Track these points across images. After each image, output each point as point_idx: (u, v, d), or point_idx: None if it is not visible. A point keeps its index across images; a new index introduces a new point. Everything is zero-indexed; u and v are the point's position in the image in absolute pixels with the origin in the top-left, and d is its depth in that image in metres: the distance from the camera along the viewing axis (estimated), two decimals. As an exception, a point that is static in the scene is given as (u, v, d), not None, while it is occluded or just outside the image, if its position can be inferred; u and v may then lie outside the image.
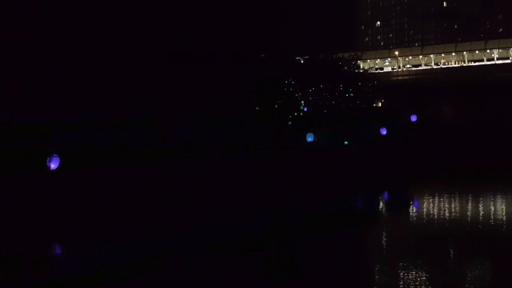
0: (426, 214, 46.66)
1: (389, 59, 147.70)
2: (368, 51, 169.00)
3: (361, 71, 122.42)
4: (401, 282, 26.68)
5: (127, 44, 70.73)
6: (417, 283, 26.56)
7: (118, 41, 70.06)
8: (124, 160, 55.05)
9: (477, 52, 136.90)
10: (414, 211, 49.37)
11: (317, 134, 79.97)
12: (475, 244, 35.42)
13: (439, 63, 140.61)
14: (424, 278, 27.62)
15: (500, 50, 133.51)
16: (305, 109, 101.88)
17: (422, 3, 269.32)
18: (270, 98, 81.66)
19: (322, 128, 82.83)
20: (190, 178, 58.44)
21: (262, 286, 28.08)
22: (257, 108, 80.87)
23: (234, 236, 39.83)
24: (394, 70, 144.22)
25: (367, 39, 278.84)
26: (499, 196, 55.02)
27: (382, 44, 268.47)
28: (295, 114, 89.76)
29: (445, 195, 57.94)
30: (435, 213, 46.92)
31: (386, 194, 62.08)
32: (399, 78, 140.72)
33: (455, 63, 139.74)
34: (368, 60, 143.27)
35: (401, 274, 28.25)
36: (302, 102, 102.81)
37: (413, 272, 28.54)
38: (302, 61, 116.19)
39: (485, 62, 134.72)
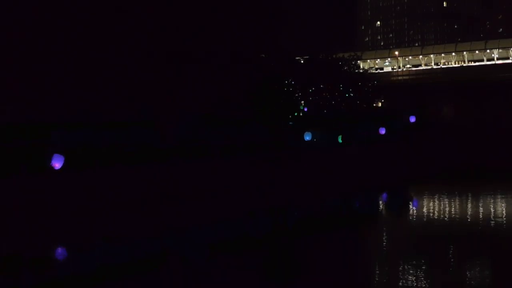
0: (426, 214, 46.66)
1: (389, 59, 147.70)
2: (368, 51, 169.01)
3: (361, 71, 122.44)
4: (401, 282, 26.68)
5: (127, 44, 70.75)
6: (417, 283, 26.56)
7: (118, 41, 70.09)
8: (124, 160, 55.03)
9: (477, 52, 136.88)
10: (414, 211, 49.36)
11: (317, 134, 79.93)
12: (475, 244, 35.42)
13: (439, 63, 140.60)
14: (424, 278, 27.62)
15: (500, 50, 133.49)
16: (305, 109, 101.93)
17: (422, 3, 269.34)
18: (270, 98, 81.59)
19: (322, 128, 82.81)
20: (190, 178, 58.44)
21: (262, 286, 28.08)
22: (257, 108, 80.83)
23: (234, 236, 39.83)
24: (394, 70, 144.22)
25: (367, 39, 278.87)
26: (499, 196, 55.01)
27: (382, 44, 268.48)
28: (295, 114, 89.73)
29: (445, 195, 57.94)
30: (435, 213, 46.93)
31: (386, 194, 62.08)
32: (399, 78, 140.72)
33: (455, 63, 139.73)
34: (368, 60, 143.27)
35: (401, 274, 28.26)
36: (302, 102, 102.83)
37: (413, 272, 28.54)
38: (302, 61, 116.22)
39: (485, 62, 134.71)
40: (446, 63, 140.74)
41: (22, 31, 64.15)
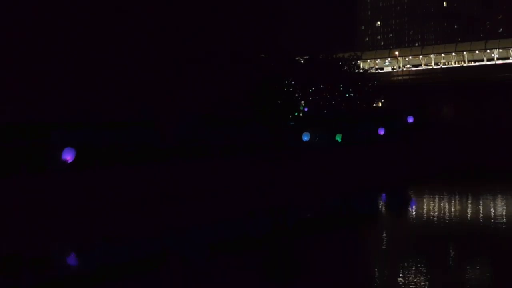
0: (426, 214, 46.65)
1: (389, 59, 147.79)
2: (368, 51, 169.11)
3: (361, 71, 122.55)
4: (401, 282, 26.69)
5: (127, 44, 70.76)
6: (417, 283, 26.56)
7: (118, 41, 70.09)
8: (124, 160, 55.03)
9: (477, 52, 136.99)
10: (414, 211, 49.35)
11: (317, 134, 79.89)
12: (475, 244, 35.42)
13: (439, 63, 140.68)
14: (424, 278, 27.62)
15: (500, 50, 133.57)
16: (306, 109, 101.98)
17: (422, 3, 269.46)
18: (270, 98, 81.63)
19: (322, 128, 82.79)
20: (190, 178, 58.44)
21: (262, 286, 28.08)
22: (257, 108, 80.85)
23: (234, 236, 39.82)
24: (394, 70, 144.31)
25: (367, 39, 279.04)
26: (499, 196, 55.01)
27: (382, 44, 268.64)
28: (295, 114, 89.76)
29: (445, 195, 57.93)
30: (435, 213, 46.92)
31: (386, 194, 62.06)
32: (399, 78, 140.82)
33: (455, 63, 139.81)
34: (368, 60, 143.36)
35: (401, 274, 28.25)
36: (302, 102, 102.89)
37: (413, 272, 28.54)
38: (302, 61, 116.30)
39: (485, 62, 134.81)
40: (446, 63, 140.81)
41: (22, 31, 64.16)
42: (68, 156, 49.52)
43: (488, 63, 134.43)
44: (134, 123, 62.43)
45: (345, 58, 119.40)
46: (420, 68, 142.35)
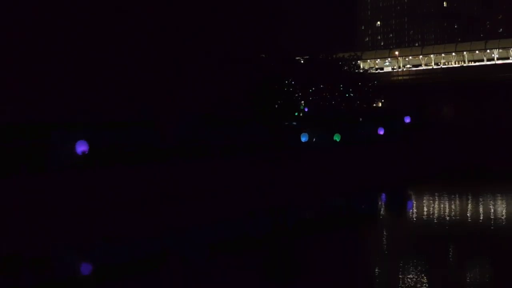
0: (426, 214, 46.65)
1: (389, 59, 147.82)
2: (368, 51, 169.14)
3: (361, 71, 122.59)
4: (401, 282, 26.69)
5: (127, 44, 70.75)
6: (417, 283, 26.56)
7: (118, 41, 70.09)
8: (124, 160, 55.03)
9: (477, 52, 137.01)
10: (414, 211, 49.35)
11: (317, 134, 79.85)
12: (475, 244, 35.42)
13: (439, 63, 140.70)
14: (424, 278, 27.62)
15: (500, 50, 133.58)
16: (306, 109, 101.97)
17: (422, 3, 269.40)
18: (270, 98, 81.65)
19: (322, 128, 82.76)
20: (190, 178, 58.44)
21: (262, 286, 28.08)
22: (257, 108, 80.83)
23: (234, 236, 39.83)
24: (394, 70, 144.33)
25: (367, 39, 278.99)
26: (499, 196, 55.02)
27: (382, 44, 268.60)
28: (296, 114, 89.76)
29: (445, 195, 57.93)
30: (435, 213, 46.92)
31: (386, 194, 62.06)
32: (399, 78, 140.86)
33: (455, 63, 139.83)
34: (368, 60, 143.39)
35: (401, 274, 28.26)
36: (302, 102, 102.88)
37: (413, 272, 28.54)
38: (302, 61, 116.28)
39: (485, 62, 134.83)
40: (446, 63, 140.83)
41: (22, 31, 64.15)
42: (84, 147, 50.08)
43: (488, 63, 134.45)
44: (134, 123, 62.42)
45: (345, 58, 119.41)
46: (420, 68, 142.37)
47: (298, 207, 52.73)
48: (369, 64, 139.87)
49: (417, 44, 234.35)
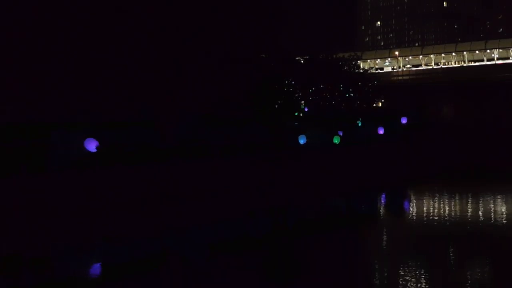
0: (426, 214, 46.64)
1: (389, 59, 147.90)
2: (368, 51, 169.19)
3: (361, 71, 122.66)
4: (401, 282, 26.69)
5: (127, 44, 70.76)
6: (417, 283, 26.56)
7: (118, 41, 70.09)
8: (124, 160, 55.03)
9: (477, 52, 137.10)
10: (414, 211, 49.34)
11: (316, 134, 79.78)
12: (475, 244, 35.43)
13: (439, 63, 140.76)
14: (424, 278, 27.62)
15: (500, 50, 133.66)
16: (306, 109, 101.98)
17: (422, 3, 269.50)
18: (270, 98, 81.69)
19: (322, 128, 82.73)
20: (190, 178, 58.45)
21: (262, 286, 28.08)
22: (257, 108, 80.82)
23: (234, 236, 39.83)
24: (394, 70, 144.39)
25: (367, 39, 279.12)
26: (499, 196, 55.02)
27: (382, 44, 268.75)
28: (296, 114, 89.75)
29: (445, 195, 57.95)
30: (435, 213, 46.92)
31: (386, 194, 62.06)
32: (399, 78, 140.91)
33: (455, 63, 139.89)
34: (368, 60, 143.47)
35: (401, 274, 28.25)
36: (302, 102, 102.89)
37: (413, 272, 28.54)
38: (302, 61, 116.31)
39: (485, 62, 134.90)
40: (446, 63, 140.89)
41: (22, 31, 64.16)
42: (93, 144, 50.33)
43: (488, 63, 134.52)
44: (134, 123, 62.42)
45: (345, 58, 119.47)
46: (420, 68, 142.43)
47: (298, 207, 52.73)
48: (369, 64, 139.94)
49: (417, 44, 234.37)
